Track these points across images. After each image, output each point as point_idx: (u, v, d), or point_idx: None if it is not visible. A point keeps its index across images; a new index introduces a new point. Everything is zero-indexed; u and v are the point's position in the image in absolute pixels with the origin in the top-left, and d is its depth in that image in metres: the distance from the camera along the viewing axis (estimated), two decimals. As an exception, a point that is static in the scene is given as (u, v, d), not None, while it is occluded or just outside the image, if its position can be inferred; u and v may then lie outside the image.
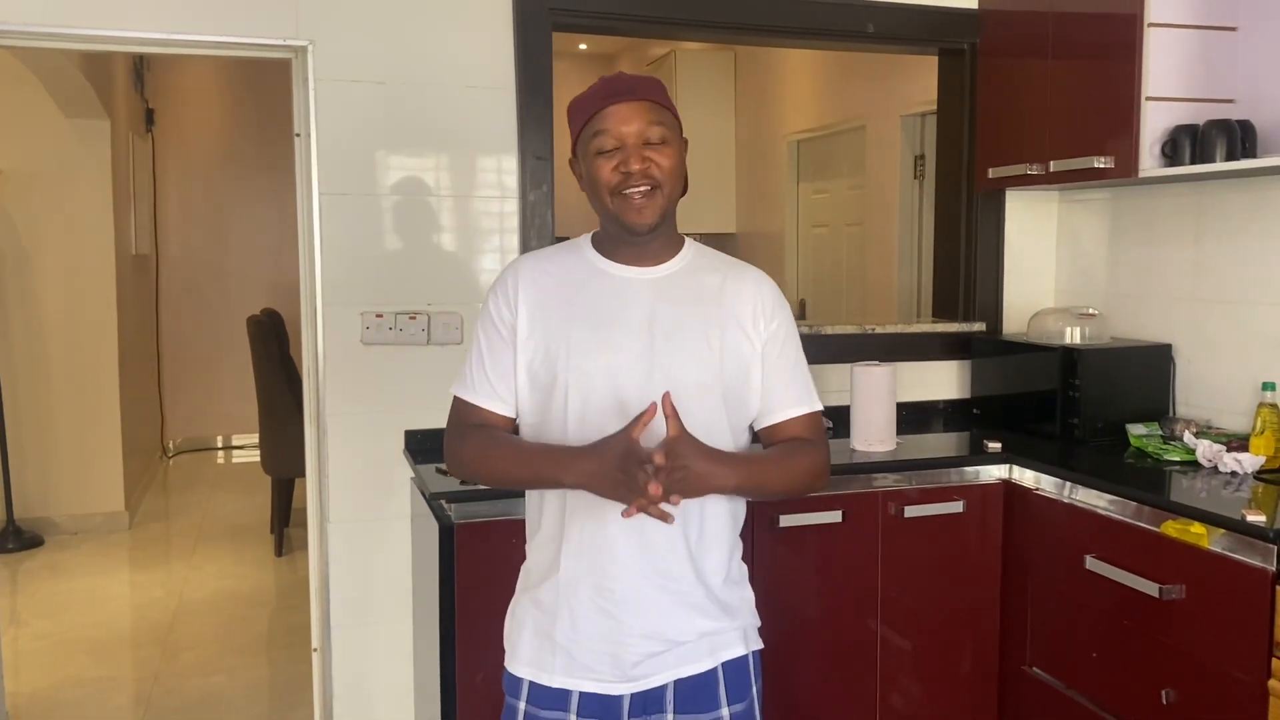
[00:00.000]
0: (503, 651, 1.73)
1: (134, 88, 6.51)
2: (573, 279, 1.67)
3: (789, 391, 1.70)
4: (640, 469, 1.44)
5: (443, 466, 2.35)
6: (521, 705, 1.67)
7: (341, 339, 2.79)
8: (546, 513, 1.68)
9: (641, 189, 1.59)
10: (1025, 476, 2.69)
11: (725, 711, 1.68)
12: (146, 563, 5.10)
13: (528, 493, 1.74)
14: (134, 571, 4.99)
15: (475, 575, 2.30)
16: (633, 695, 1.64)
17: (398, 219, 2.82)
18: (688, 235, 1.73)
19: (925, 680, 2.70)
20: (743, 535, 1.76)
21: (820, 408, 1.74)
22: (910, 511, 2.62)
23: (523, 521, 1.77)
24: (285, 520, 5.19)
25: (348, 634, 2.87)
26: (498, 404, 1.67)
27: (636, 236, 1.63)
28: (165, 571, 4.94)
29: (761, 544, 2.48)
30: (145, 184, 6.83)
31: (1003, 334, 3.34)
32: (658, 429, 1.49)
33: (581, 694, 1.64)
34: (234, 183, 7.49)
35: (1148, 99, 2.64)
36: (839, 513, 2.56)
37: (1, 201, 5.26)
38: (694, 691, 1.67)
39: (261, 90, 7.14)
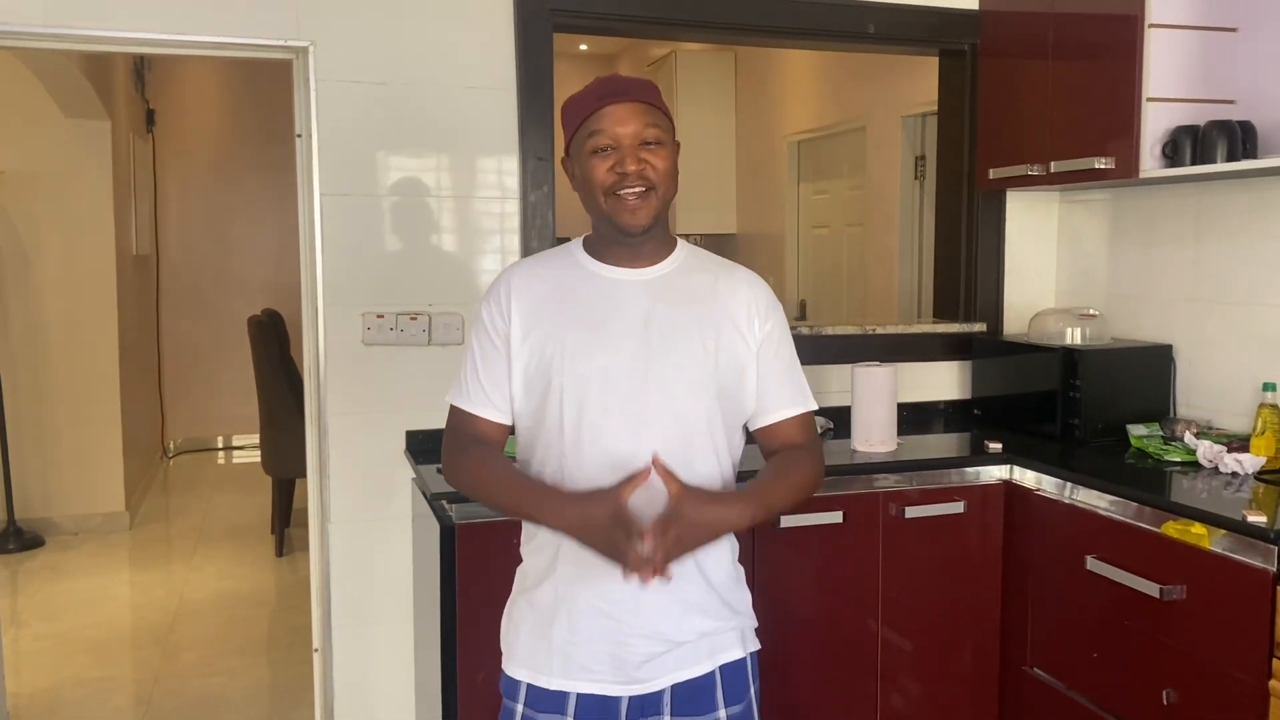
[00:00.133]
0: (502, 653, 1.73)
1: (135, 88, 6.50)
2: (566, 283, 1.67)
3: (783, 392, 1.71)
4: (629, 543, 1.44)
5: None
6: (519, 708, 1.67)
7: (342, 339, 2.79)
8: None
9: (636, 190, 1.59)
10: (1026, 477, 2.69)
11: (723, 713, 1.68)
12: (147, 563, 5.10)
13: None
14: (134, 572, 4.99)
15: (476, 576, 2.30)
16: (630, 698, 1.64)
17: (398, 219, 2.82)
18: (688, 236, 1.73)
19: (926, 681, 2.70)
20: (743, 536, 1.76)
21: (814, 407, 1.75)
22: (911, 512, 2.63)
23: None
24: (286, 521, 5.18)
25: (348, 634, 2.87)
26: (493, 412, 1.67)
27: (630, 237, 1.63)
28: (166, 572, 4.94)
29: (762, 545, 2.48)
30: (146, 184, 6.83)
31: (1003, 334, 3.34)
32: (657, 481, 1.50)
33: (579, 695, 1.64)
34: (235, 183, 7.48)
35: (1148, 100, 2.64)
36: (840, 513, 2.56)
37: (1, 201, 5.26)
38: (691, 694, 1.67)
39: (262, 91, 7.13)
